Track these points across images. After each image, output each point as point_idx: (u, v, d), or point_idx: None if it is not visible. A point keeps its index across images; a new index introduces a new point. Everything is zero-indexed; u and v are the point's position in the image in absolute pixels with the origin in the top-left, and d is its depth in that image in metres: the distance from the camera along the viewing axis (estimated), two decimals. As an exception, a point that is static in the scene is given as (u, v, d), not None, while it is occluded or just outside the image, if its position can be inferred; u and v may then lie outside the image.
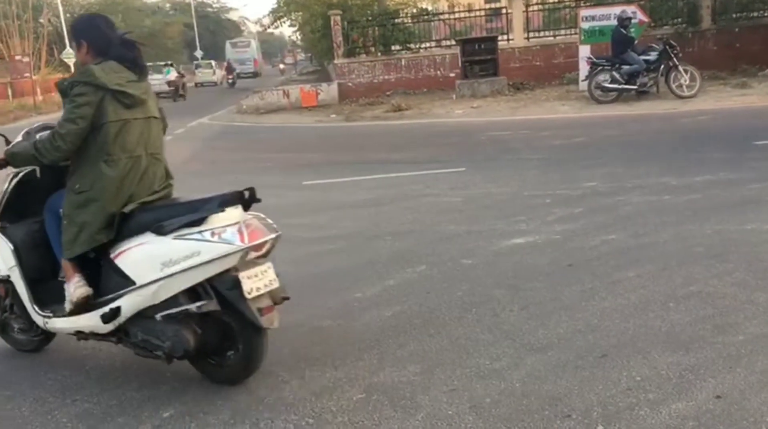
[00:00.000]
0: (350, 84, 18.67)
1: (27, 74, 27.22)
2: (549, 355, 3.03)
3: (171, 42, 46.48)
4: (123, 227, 2.96)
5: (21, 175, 3.31)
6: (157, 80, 25.07)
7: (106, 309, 2.91)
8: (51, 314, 3.17)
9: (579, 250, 4.49)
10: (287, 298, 3.08)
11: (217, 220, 2.84)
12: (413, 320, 3.53)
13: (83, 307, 3.00)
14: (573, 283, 3.91)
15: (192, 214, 2.86)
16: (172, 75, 27.94)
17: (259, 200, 3.15)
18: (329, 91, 18.33)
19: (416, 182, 7.14)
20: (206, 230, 2.80)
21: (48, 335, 3.46)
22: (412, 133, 11.63)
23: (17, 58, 27.49)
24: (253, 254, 2.91)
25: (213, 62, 44.80)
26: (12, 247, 3.29)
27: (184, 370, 3.12)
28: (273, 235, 3.09)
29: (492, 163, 8.09)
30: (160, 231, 2.85)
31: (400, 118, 13.97)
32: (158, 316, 2.82)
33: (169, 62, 31.40)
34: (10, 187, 3.34)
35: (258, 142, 11.99)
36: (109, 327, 2.95)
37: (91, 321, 3.00)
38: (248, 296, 2.79)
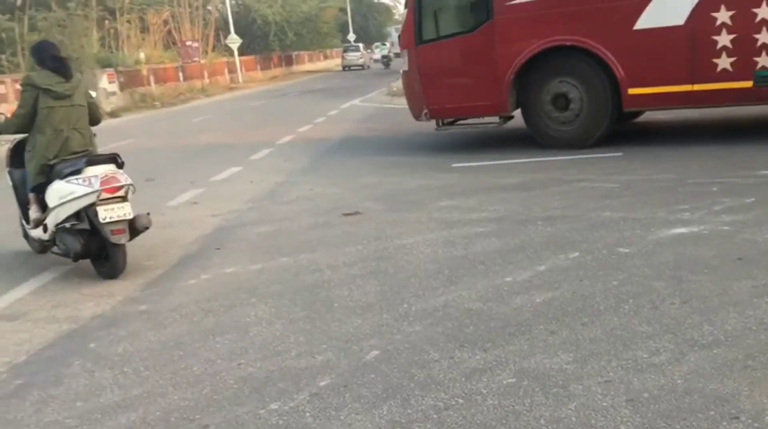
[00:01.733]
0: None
1: (196, 58, 29.23)
2: (715, 352, 2.85)
3: (326, 26, 47.99)
4: (51, 173, 4.76)
5: (17, 139, 5.20)
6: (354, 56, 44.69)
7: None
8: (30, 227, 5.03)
9: (750, 243, 4.16)
10: (148, 228, 4.79)
11: (89, 172, 4.59)
12: (566, 307, 3.44)
13: (38, 223, 4.87)
14: (743, 277, 3.63)
15: (75, 167, 4.63)
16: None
17: (122, 164, 4.80)
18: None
19: (569, 167, 6.92)
20: (80, 178, 4.57)
21: (43, 244, 5.04)
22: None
23: (188, 43, 29.56)
24: (106, 195, 4.55)
25: (361, 45, 46.22)
26: (11, 185, 5.29)
27: (341, 345, 3.25)
28: (124, 184, 4.68)
29: (651, 147, 7.66)
30: (60, 176, 4.67)
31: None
32: (60, 230, 4.64)
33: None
34: (11, 146, 5.32)
35: (407, 123, 12.08)
36: (46, 236, 4.83)
37: (40, 232, 4.88)
38: (102, 221, 4.49)
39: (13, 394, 3.10)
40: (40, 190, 4.85)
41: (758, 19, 7.00)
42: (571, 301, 3.52)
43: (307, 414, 2.67)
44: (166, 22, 30.13)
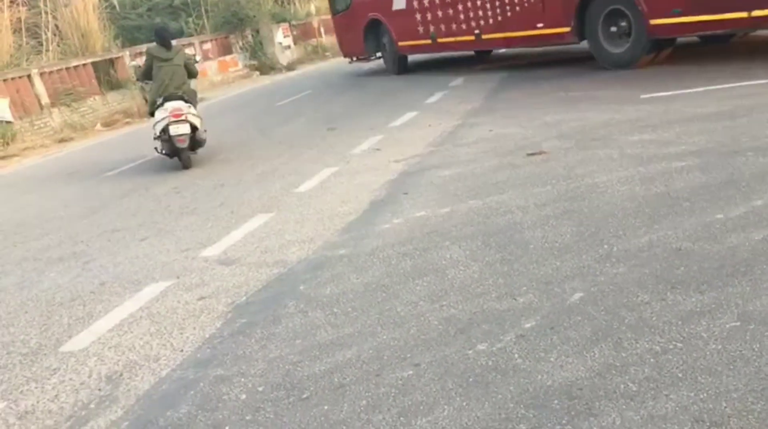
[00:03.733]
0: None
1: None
2: None
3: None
4: (163, 102, 7.88)
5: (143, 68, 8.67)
6: None
7: None
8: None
9: None
10: (204, 140, 8.19)
11: (166, 105, 7.78)
12: (792, 246, 3.14)
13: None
14: None
15: (161, 102, 7.92)
16: None
17: (186, 100, 7.97)
18: None
19: (779, 90, 6.24)
20: (163, 108, 7.80)
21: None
22: None
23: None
24: (173, 119, 7.67)
25: None
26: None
27: (542, 286, 3.22)
28: (185, 112, 7.73)
29: None
30: (163, 106, 7.84)
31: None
32: (157, 138, 8.07)
33: None
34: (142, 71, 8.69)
35: (578, 57, 11.48)
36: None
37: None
38: (171, 134, 7.66)
39: (240, 331, 3.41)
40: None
41: None
42: (798, 238, 3.21)
43: (516, 355, 2.69)
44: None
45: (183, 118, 7.70)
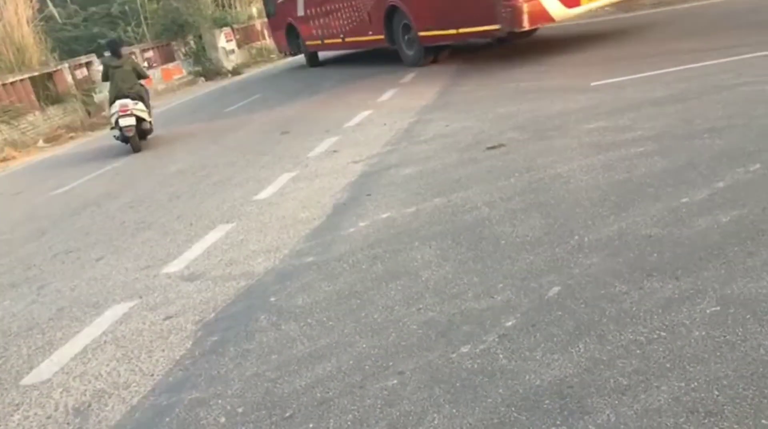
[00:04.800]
0: (623, -30, 17.06)
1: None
2: None
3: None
4: (115, 100, 9.93)
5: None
6: None
7: None
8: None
9: None
10: (150, 130, 10.40)
11: (116, 102, 9.84)
12: (760, 226, 3.17)
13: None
14: None
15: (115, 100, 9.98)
16: None
17: (134, 97, 10.00)
18: (599, -19, 16.97)
19: (725, 71, 6.35)
20: (114, 104, 9.90)
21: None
22: (709, 15, 10.32)
23: None
24: (121, 113, 9.67)
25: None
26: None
27: (518, 283, 3.19)
28: (130, 107, 9.70)
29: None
30: (114, 103, 9.95)
31: (687, 0, 12.50)
32: (113, 128, 10.26)
33: None
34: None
35: (525, 46, 11.58)
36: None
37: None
38: (121, 124, 9.72)
39: (212, 350, 3.29)
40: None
41: None
42: (764, 217, 3.24)
43: (500, 356, 2.65)
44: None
45: (129, 112, 9.80)
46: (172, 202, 6.49)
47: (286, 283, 3.88)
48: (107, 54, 10.61)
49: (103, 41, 22.92)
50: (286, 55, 19.11)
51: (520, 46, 11.49)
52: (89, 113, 16.58)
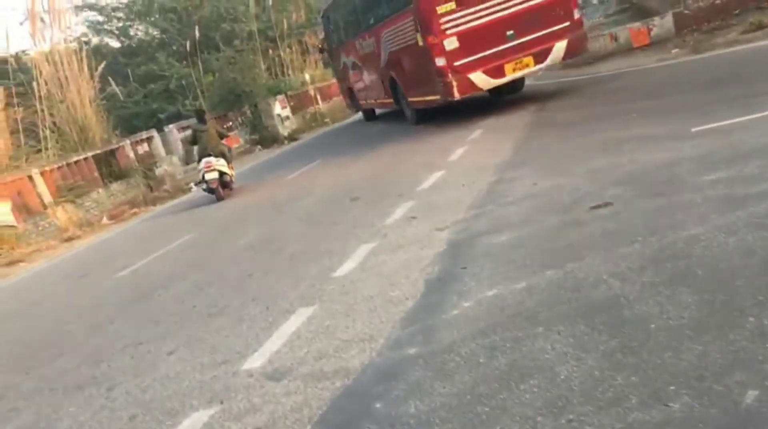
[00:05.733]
0: (686, 11, 16.49)
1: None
2: None
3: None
4: (201, 159, 12.40)
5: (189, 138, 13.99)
6: None
7: None
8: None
9: None
10: (231, 180, 12.61)
11: (203, 161, 12.16)
12: None
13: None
14: None
15: (201, 159, 12.36)
16: None
17: (216, 155, 12.33)
18: (662, 24, 16.38)
19: None
20: (201, 162, 12.26)
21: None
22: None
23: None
24: (206, 169, 12.00)
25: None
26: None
27: (693, 383, 2.53)
28: (214, 165, 12.00)
29: None
30: (200, 161, 12.39)
31: (765, 37, 11.81)
32: (200, 181, 12.69)
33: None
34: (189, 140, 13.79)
35: (604, 94, 11.01)
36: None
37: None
38: (206, 178, 11.99)
39: (316, 478, 2.72)
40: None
41: None
42: None
43: (708, 496, 1.99)
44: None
45: (212, 168, 11.97)
46: (244, 283, 6.03)
47: (391, 384, 3.30)
48: (194, 121, 13.60)
49: (162, 115, 23.40)
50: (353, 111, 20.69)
51: (595, 93, 10.94)
52: (151, 188, 16.61)
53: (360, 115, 20.00)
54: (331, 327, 4.31)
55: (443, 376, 3.21)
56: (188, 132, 15.00)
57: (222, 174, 12.05)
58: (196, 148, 12.64)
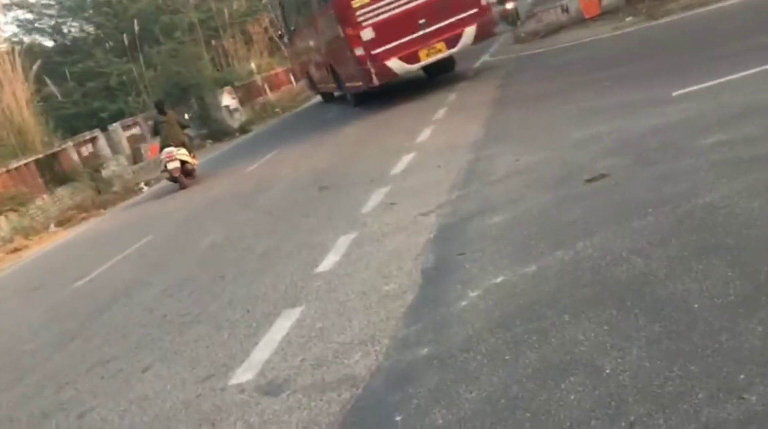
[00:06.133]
0: (635, -21, 16.40)
1: (302, 57, 28.81)
2: None
3: None
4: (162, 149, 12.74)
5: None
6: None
7: None
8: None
9: None
10: (193, 169, 12.94)
11: (165, 150, 12.48)
12: None
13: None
14: None
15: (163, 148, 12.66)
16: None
17: (177, 144, 12.56)
18: (612, -7, 16.29)
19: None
20: (163, 152, 12.52)
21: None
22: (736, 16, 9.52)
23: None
24: (167, 158, 12.27)
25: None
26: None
27: (755, 369, 2.24)
28: (175, 155, 12.30)
29: None
30: (162, 152, 12.78)
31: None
32: (162, 170, 12.93)
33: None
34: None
35: (568, 65, 10.80)
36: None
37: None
38: (168, 167, 12.31)
39: None
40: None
41: None
42: None
43: None
44: (266, 29, 29.96)
45: (174, 158, 12.29)
46: (216, 285, 5.58)
47: (408, 391, 2.93)
48: (156, 113, 13.51)
49: (104, 114, 22.41)
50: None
51: (558, 65, 10.72)
52: (99, 191, 15.83)
53: (316, 99, 20.33)
54: (324, 329, 3.91)
55: (466, 378, 2.86)
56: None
57: (183, 163, 12.35)
58: (159, 139, 12.99)
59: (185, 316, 5.09)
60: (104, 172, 16.96)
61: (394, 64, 12.07)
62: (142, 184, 16.00)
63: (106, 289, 6.89)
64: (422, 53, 12.14)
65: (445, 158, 7.09)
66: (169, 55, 21.84)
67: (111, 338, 5.19)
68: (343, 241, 5.47)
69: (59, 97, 21.31)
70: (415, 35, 11.97)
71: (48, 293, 7.79)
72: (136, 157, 18.83)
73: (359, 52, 12.03)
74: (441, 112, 10.22)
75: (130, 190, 15.76)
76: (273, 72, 28.08)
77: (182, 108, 20.99)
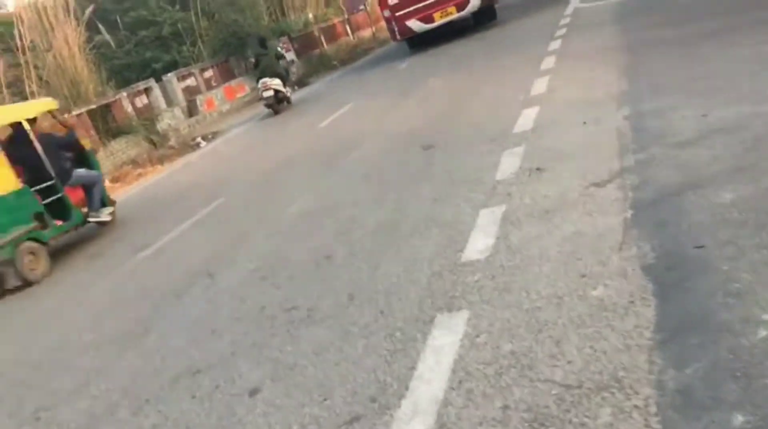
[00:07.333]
0: None
1: (361, 7, 27.32)
2: None
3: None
4: (259, 79, 15.20)
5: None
6: None
7: None
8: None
9: None
10: (286, 98, 14.66)
11: (261, 80, 14.62)
12: None
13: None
14: None
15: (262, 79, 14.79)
16: None
17: (275, 75, 14.39)
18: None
19: None
20: (261, 81, 14.71)
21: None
22: None
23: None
24: (263, 87, 14.31)
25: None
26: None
27: None
28: (270, 84, 14.14)
29: None
30: (259, 82, 15.02)
31: None
32: (262, 96, 15.09)
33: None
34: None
35: (695, 8, 9.18)
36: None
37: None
38: (263, 96, 14.37)
39: None
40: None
41: None
42: None
43: None
44: (323, -24, 28.40)
45: (268, 87, 13.78)
46: (325, 269, 4.39)
47: None
48: (258, 47, 14.83)
49: (157, 65, 21.31)
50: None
51: (680, 9, 9.12)
52: (155, 145, 14.83)
53: (378, 51, 21.68)
54: (519, 357, 2.68)
55: None
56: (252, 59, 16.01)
57: (277, 92, 13.91)
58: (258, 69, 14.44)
59: (291, 310, 3.92)
60: (159, 125, 15.96)
61: (414, 24, 15.60)
62: (199, 139, 14.93)
63: (178, 263, 5.79)
64: (436, 15, 15.54)
65: (589, 114, 5.72)
66: (226, 2, 20.55)
67: (197, 335, 4.07)
68: (488, 218, 4.22)
69: (113, 46, 20.21)
70: (430, 0, 15.34)
71: (108, 264, 6.74)
72: (191, 110, 17.79)
73: (386, 14, 15.99)
74: (550, 61, 8.77)
75: (187, 145, 14.70)
76: (330, 23, 26.65)
77: (238, 59, 19.85)
